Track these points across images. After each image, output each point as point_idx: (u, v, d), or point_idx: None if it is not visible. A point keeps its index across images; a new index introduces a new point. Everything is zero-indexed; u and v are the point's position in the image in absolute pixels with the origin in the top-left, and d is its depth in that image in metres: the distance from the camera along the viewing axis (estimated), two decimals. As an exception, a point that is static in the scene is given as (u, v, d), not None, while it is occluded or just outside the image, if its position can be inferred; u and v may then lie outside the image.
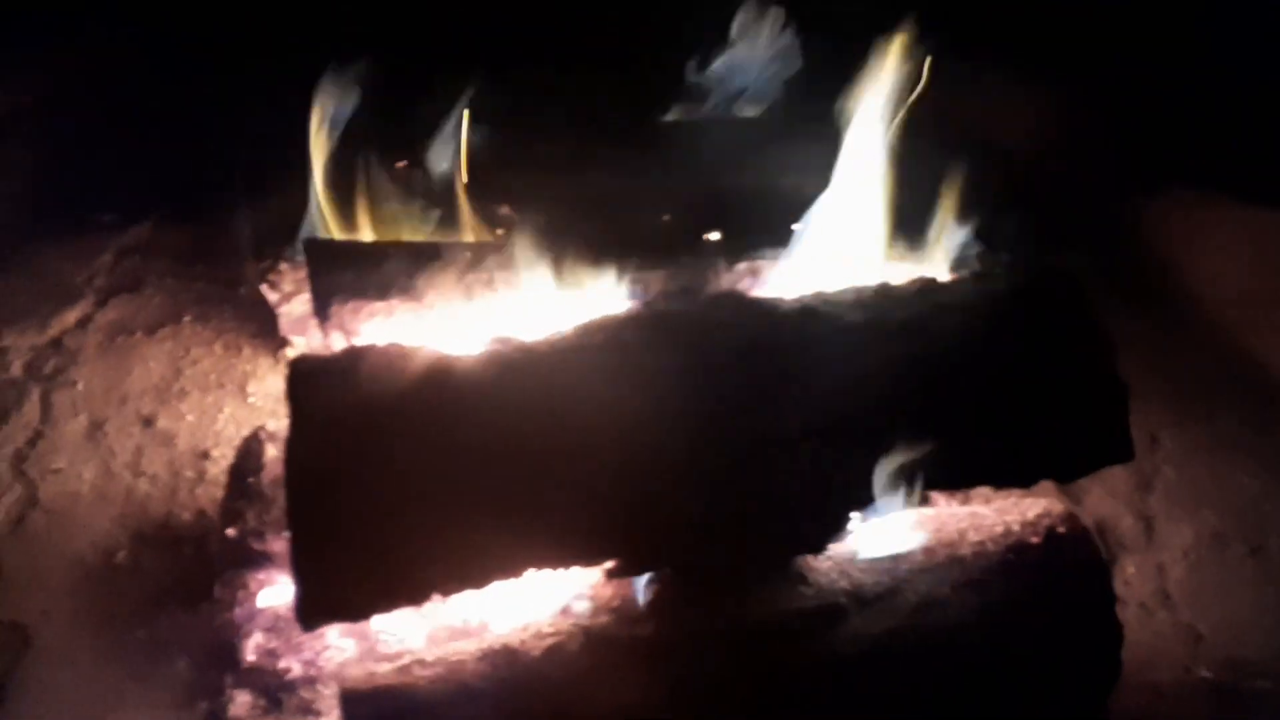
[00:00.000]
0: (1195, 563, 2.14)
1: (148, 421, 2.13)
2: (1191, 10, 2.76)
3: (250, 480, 1.81)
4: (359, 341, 1.78)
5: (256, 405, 2.14)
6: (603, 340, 1.58)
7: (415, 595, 1.51)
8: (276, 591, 1.83)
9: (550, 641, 1.59)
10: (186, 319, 2.28)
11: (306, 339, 2.07)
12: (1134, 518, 2.20)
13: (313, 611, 1.49)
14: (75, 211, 2.47)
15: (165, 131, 2.58)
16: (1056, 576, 1.70)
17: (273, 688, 1.79)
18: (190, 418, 2.13)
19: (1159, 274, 2.54)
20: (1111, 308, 1.75)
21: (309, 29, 2.42)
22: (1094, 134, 2.63)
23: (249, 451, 1.82)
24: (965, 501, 1.86)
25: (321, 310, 1.78)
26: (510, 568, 1.52)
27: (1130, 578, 2.10)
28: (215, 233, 2.40)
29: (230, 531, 1.82)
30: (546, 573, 1.55)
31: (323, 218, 1.86)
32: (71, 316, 2.28)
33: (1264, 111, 2.66)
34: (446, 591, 1.51)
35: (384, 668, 1.58)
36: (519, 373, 1.54)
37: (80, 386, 2.17)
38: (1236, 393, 2.40)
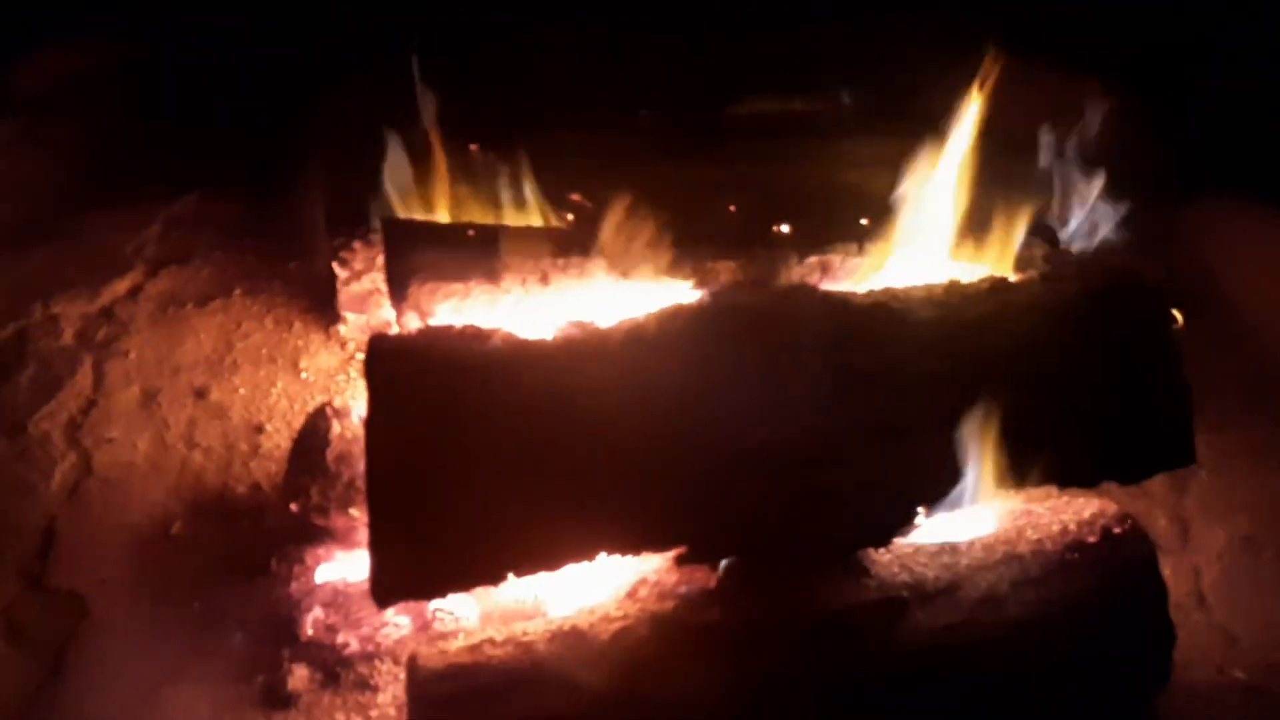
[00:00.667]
0: (1229, 565, 2.17)
1: (200, 393, 2.13)
2: (1239, 16, 2.77)
3: (314, 456, 1.81)
4: (434, 322, 1.79)
5: (309, 380, 2.15)
6: (678, 328, 1.59)
7: (490, 575, 1.53)
8: (335, 567, 1.84)
9: (618, 625, 1.61)
10: (237, 291, 2.28)
11: (365, 315, 2.08)
12: (1169, 520, 2.23)
13: (388, 589, 1.51)
14: (124, 182, 2.46)
15: (215, 104, 2.57)
16: (1113, 576, 1.72)
17: (330, 662, 1.80)
18: (243, 391, 2.13)
19: (1199, 279, 2.56)
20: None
21: (381, 7, 2.41)
22: (1142, 137, 2.64)
23: (314, 427, 1.83)
24: (1022, 499, 1.88)
25: (399, 290, 1.78)
26: (584, 551, 1.54)
27: (1166, 579, 2.12)
28: (263, 206, 2.39)
29: (292, 506, 1.83)
30: (614, 557, 1.57)
31: (397, 198, 1.87)
32: (122, 286, 2.28)
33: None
34: (521, 573, 1.53)
35: (455, 645, 1.60)
36: (594, 358, 1.55)
37: (132, 356, 2.17)
38: (1269, 400, 2.42)
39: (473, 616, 1.83)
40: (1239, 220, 2.66)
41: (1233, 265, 2.59)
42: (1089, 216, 1.93)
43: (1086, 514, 1.79)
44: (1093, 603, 1.70)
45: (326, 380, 2.15)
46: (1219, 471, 2.30)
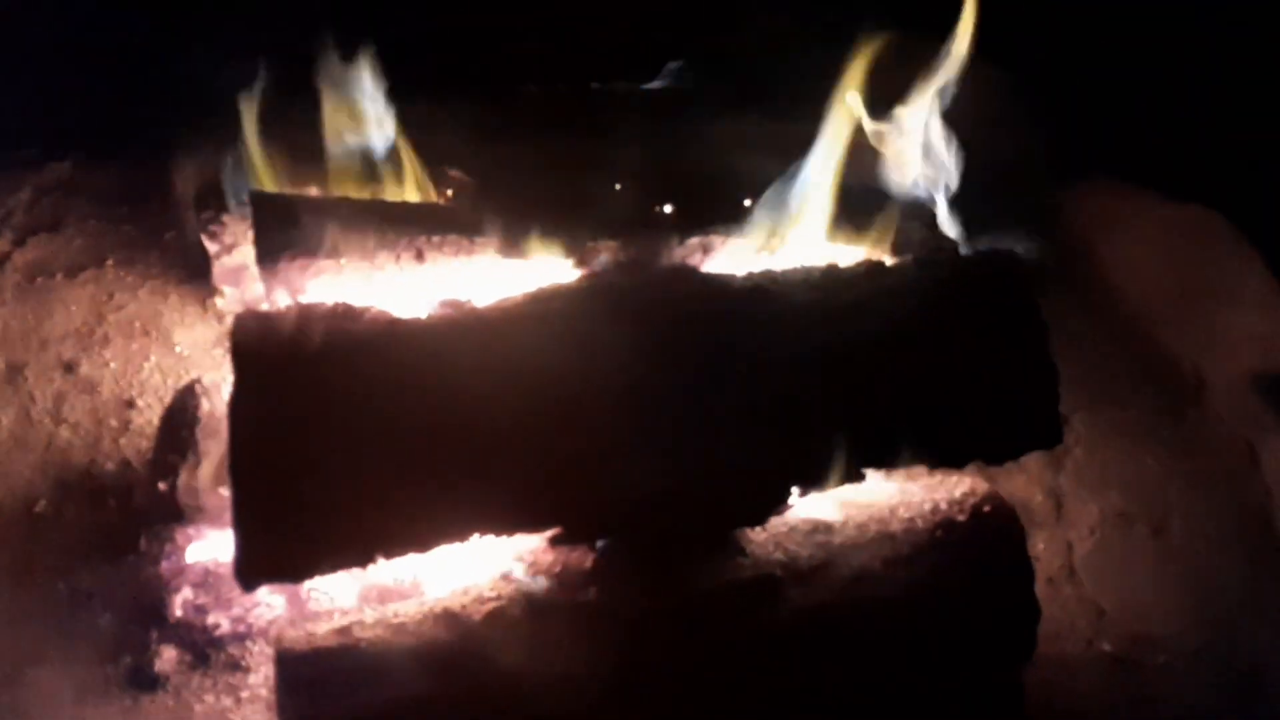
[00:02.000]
0: (1101, 540, 2.23)
1: (69, 367, 2.06)
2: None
3: (183, 433, 1.77)
4: (305, 299, 1.75)
5: (184, 355, 2.09)
6: (554, 309, 1.58)
7: (359, 558, 1.50)
8: (206, 546, 1.81)
9: (492, 606, 1.61)
10: (110, 262, 2.21)
11: (240, 289, 2.03)
12: (1044, 495, 2.28)
13: (253, 571, 1.48)
14: (-11, 144, 2.37)
15: (91, 65, 2.47)
16: (981, 554, 1.76)
17: (200, 643, 1.77)
18: (114, 365, 2.07)
19: (1076, 260, 2.62)
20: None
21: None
22: (1022, 120, 2.68)
23: (183, 404, 1.79)
24: (894, 478, 1.90)
25: (268, 266, 1.74)
26: (456, 532, 1.53)
27: (1039, 553, 2.17)
28: (140, 175, 2.31)
29: (160, 484, 1.78)
30: (489, 537, 1.56)
31: (266, 170, 1.82)
32: (-12, 255, 2.20)
33: (1184, 104, 2.74)
34: (390, 555, 1.51)
35: (323, 628, 1.58)
36: (468, 337, 1.54)
37: (-3, 328, 2.10)
38: (1145, 380, 2.49)
39: (349, 596, 1.81)
40: (1118, 202, 2.72)
41: (1111, 247, 2.65)
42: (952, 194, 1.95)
43: (958, 493, 1.82)
44: (960, 580, 1.73)
45: (202, 355, 2.09)
46: (1094, 449, 2.36)
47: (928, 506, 1.81)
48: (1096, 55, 2.79)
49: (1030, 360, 1.67)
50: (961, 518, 1.78)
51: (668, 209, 1.87)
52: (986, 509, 1.79)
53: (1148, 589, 2.18)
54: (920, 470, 1.86)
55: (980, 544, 1.77)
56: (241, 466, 1.45)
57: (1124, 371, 2.49)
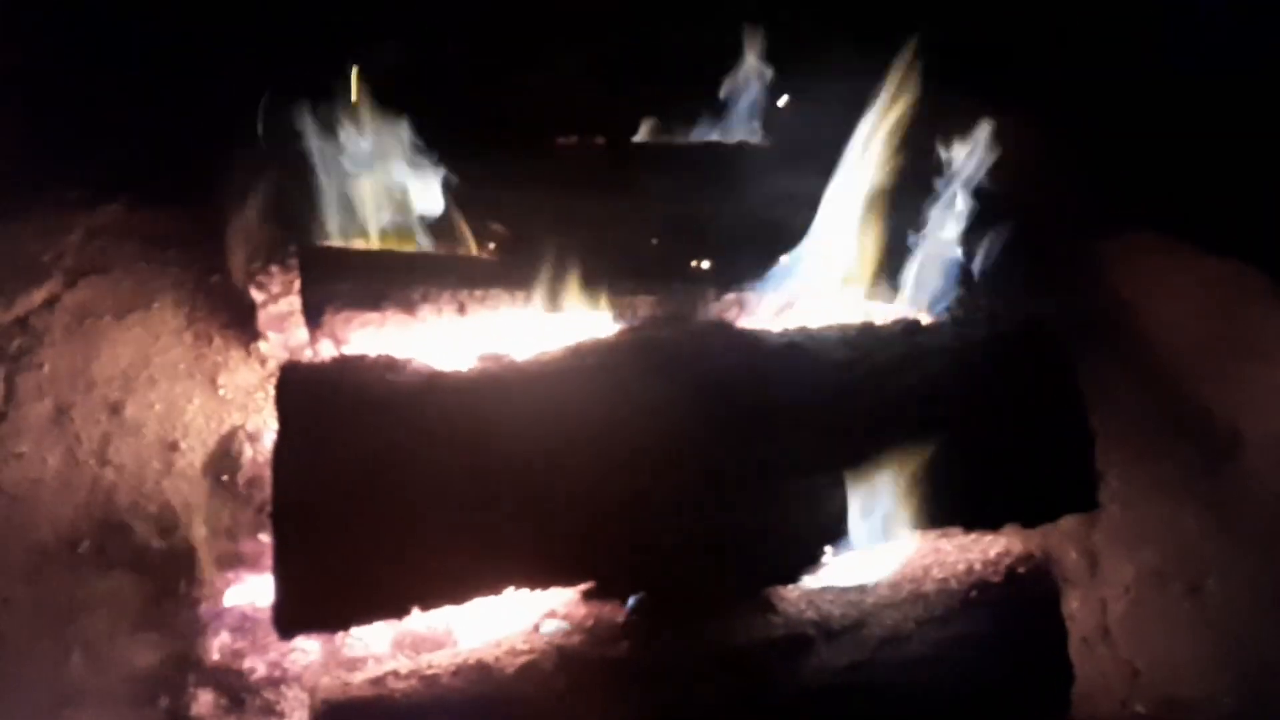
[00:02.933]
0: (1136, 600, 2.21)
1: (115, 409, 2.09)
2: (1160, 55, 2.83)
3: (225, 478, 1.80)
4: (349, 350, 1.78)
5: (227, 398, 2.12)
6: (592, 364, 1.60)
7: (395, 609, 1.53)
8: (245, 591, 1.83)
9: (524, 659, 1.62)
10: (157, 305, 2.24)
11: (284, 334, 2.06)
12: (1079, 553, 2.26)
13: (292, 620, 1.50)
14: (41, 187, 2.41)
15: (142, 111, 2.53)
16: (1015, 615, 1.76)
17: (236, 687, 1.79)
18: (159, 407, 2.10)
19: (1115, 315, 2.61)
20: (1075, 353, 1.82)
21: (317, 22, 2.39)
22: (1059, 172, 2.69)
23: (226, 450, 1.82)
24: (928, 538, 1.90)
25: (313, 317, 1.77)
26: (491, 585, 1.55)
27: (1074, 612, 2.16)
28: (189, 218, 2.35)
29: (201, 529, 1.81)
30: (523, 591, 1.58)
31: (317, 223, 1.86)
32: (38, 296, 2.23)
33: (1228, 160, 2.73)
34: (426, 606, 1.53)
35: (358, 678, 1.59)
36: (507, 391, 1.56)
37: (46, 369, 2.13)
38: (1183, 437, 2.47)
39: (383, 643, 1.82)
40: (1156, 256, 2.71)
41: (1149, 301, 2.64)
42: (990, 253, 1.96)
43: (992, 553, 1.82)
44: (994, 641, 1.73)
45: (245, 398, 2.12)
46: (1129, 506, 2.34)
47: (962, 567, 1.81)
48: (1134, 110, 2.79)
49: (1066, 423, 1.68)
50: (996, 579, 1.78)
51: (705, 264, 1.89)
52: (1021, 570, 1.79)
53: (1183, 649, 2.16)
54: (955, 530, 1.85)
55: (1014, 605, 1.77)
56: (284, 516, 1.48)
57: (1160, 427, 2.47)
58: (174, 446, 2.06)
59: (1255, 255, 2.67)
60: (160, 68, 2.61)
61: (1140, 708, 2.07)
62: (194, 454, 2.04)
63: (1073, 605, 2.17)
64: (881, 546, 1.72)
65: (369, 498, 1.48)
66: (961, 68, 2.02)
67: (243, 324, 2.19)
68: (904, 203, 1.92)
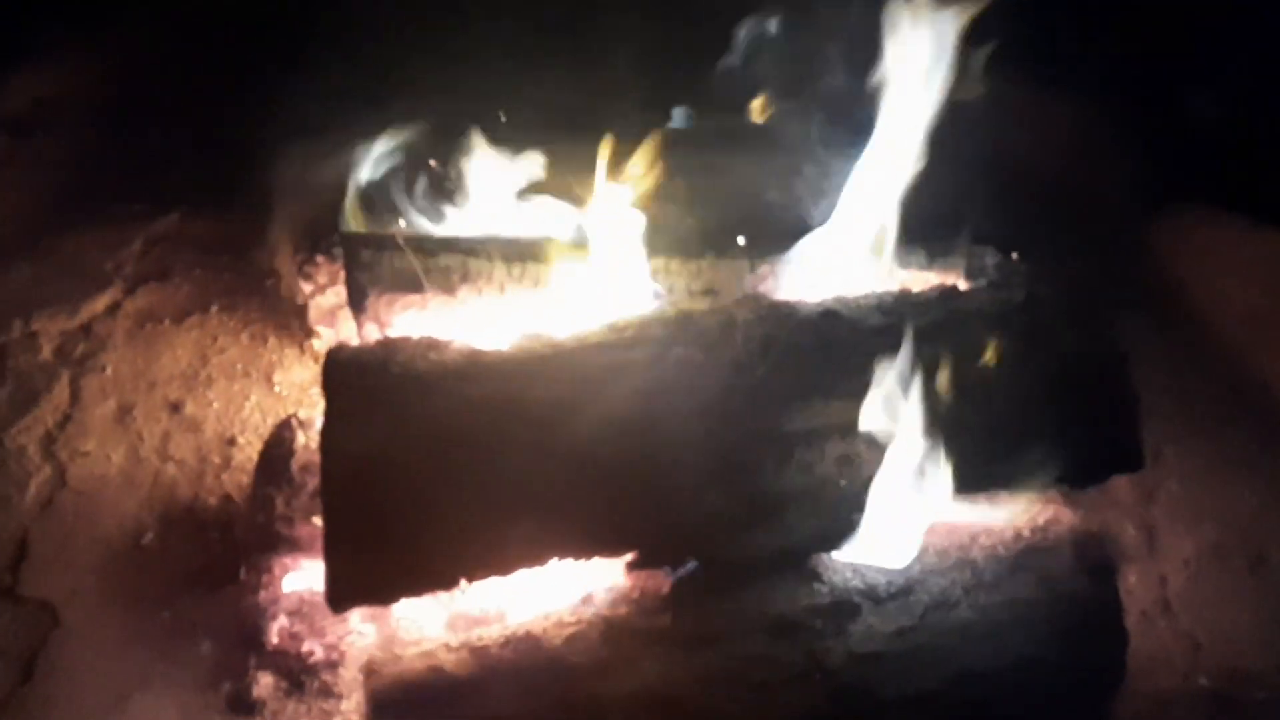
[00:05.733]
0: (1195, 574, 2.18)
1: (175, 407, 2.17)
2: (1211, 31, 2.80)
3: (279, 466, 1.84)
4: (393, 333, 1.83)
5: (282, 394, 2.18)
6: (631, 337, 1.63)
7: (443, 580, 1.56)
8: (301, 576, 1.87)
9: (571, 630, 1.64)
10: (214, 308, 2.32)
11: (334, 330, 2.11)
12: (1136, 528, 2.24)
13: (343, 594, 1.54)
14: (105, 201, 2.51)
15: (194, 124, 2.62)
16: (1065, 581, 1.74)
17: (295, 670, 1.82)
18: (217, 405, 2.17)
19: (1171, 291, 2.58)
20: (1122, 322, 1.81)
21: (349, 24, 2.47)
22: (1112, 148, 2.67)
23: (279, 438, 1.86)
24: (976, 505, 1.89)
25: (357, 302, 1.82)
26: (535, 556, 1.57)
27: (1132, 587, 2.13)
28: (242, 225, 2.43)
29: (258, 516, 1.86)
30: (567, 562, 1.60)
31: (359, 212, 1.91)
32: (101, 303, 2.32)
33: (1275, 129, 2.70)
34: (473, 577, 1.56)
35: (411, 652, 1.62)
36: (547, 366, 1.59)
37: (109, 371, 2.21)
38: (1240, 410, 2.43)
39: (436, 625, 1.85)
40: (1209, 230, 2.68)
41: (1203, 276, 2.61)
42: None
43: (1041, 520, 1.80)
44: (1045, 607, 1.71)
45: (299, 394, 2.19)
46: (1188, 481, 2.31)
47: (1010, 534, 1.79)
48: (1186, 82, 2.77)
49: (1109, 383, 1.67)
50: (1044, 544, 1.77)
51: (741, 239, 1.90)
52: (1070, 535, 1.78)
53: (1245, 622, 2.12)
54: (1003, 497, 1.84)
55: (1065, 571, 1.75)
56: (332, 492, 1.52)
57: (1217, 402, 2.44)
58: (232, 442, 2.12)
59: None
60: (212, 85, 2.71)
61: (1204, 680, 2.04)
62: (251, 448, 2.10)
63: (1131, 580, 2.14)
64: (928, 514, 1.71)
65: (415, 473, 1.52)
66: (1011, 48, 2.00)
67: (295, 324, 2.26)
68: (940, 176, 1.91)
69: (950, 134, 1.89)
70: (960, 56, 1.84)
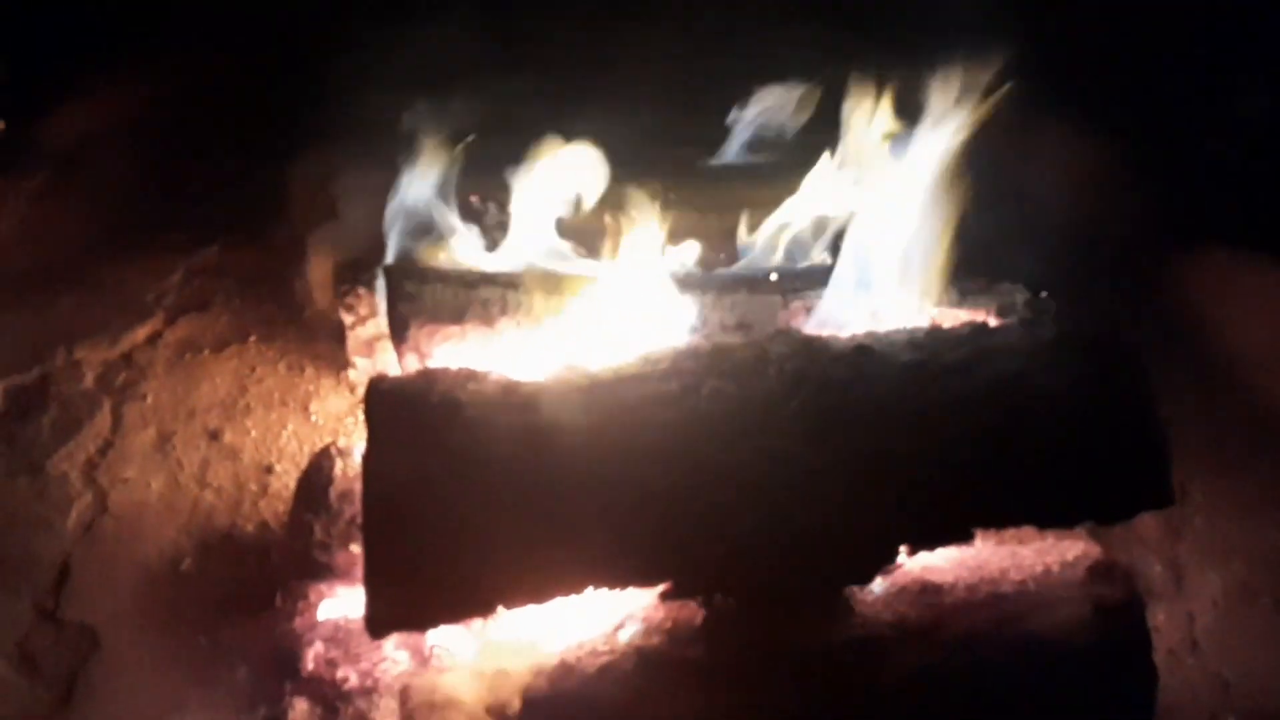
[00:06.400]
0: (1224, 612, 2.18)
1: (214, 435, 2.21)
2: (1233, 68, 2.83)
3: (318, 494, 1.87)
4: (433, 364, 1.86)
5: (318, 423, 2.22)
6: (665, 369, 1.65)
7: (481, 608, 1.58)
8: (337, 603, 1.89)
9: (604, 660, 1.66)
10: (252, 338, 2.37)
11: (372, 360, 2.15)
12: (1164, 566, 2.24)
13: (382, 620, 1.56)
14: (147, 232, 2.56)
15: (236, 157, 2.68)
16: (1095, 617, 1.74)
17: (330, 696, 1.84)
18: (254, 433, 2.21)
19: (1194, 329, 2.59)
20: (1149, 359, 1.82)
21: (387, 60, 2.53)
22: (1135, 187, 2.69)
23: (319, 466, 1.89)
24: (1005, 541, 1.91)
25: (398, 333, 1.86)
26: (571, 584, 1.59)
27: (1160, 624, 2.14)
28: (282, 257, 2.48)
29: (295, 543, 1.88)
30: (603, 591, 1.62)
31: (401, 244, 1.95)
32: (142, 333, 2.37)
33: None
34: (510, 605, 1.58)
35: (445, 678, 1.65)
36: (583, 397, 1.62)
37: (149, 400, 2.26)
38: (1267, 448, 2.43)
39: (469, 653, 1.87)
40: (1232, 267, 2.70)
41: (1227, 313, 2.62)
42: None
43: (1070, 556, 1.81)
44: (1074, 644, 1.72)
45: (335, 423, 2.23)
46: (1214, 518, 2.32)
47: (1039, 569, 1.80)
48: (1208, 121, 2.80)
49: (1137, 419, 1.68)
50: (1074, 579, 1.78)
51: (774, 275, 1.94)
52: (1099, 571, 1.78)
53: (1274, 662, 2.11)
54: (1032, 533, 1.86)
55: (1094, 607, 1.75)
56: (373, 519, 1.55)
57: (1243, 440, 2.44)
58: (269, 470, 2.16)
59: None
60: (254, 120, 2.77)
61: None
62: (288, 476, 2.14)
63: (1159, 618, 2.15)
64: (958, 549, 1.73)
65: (454, 501, 1.54)
66: (1034, 83, 2.04)
67: (332, 354, 2.30)
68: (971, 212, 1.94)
69: (976, 172, 1.92)
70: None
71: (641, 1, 2.60)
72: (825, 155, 2.11)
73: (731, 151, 2.23)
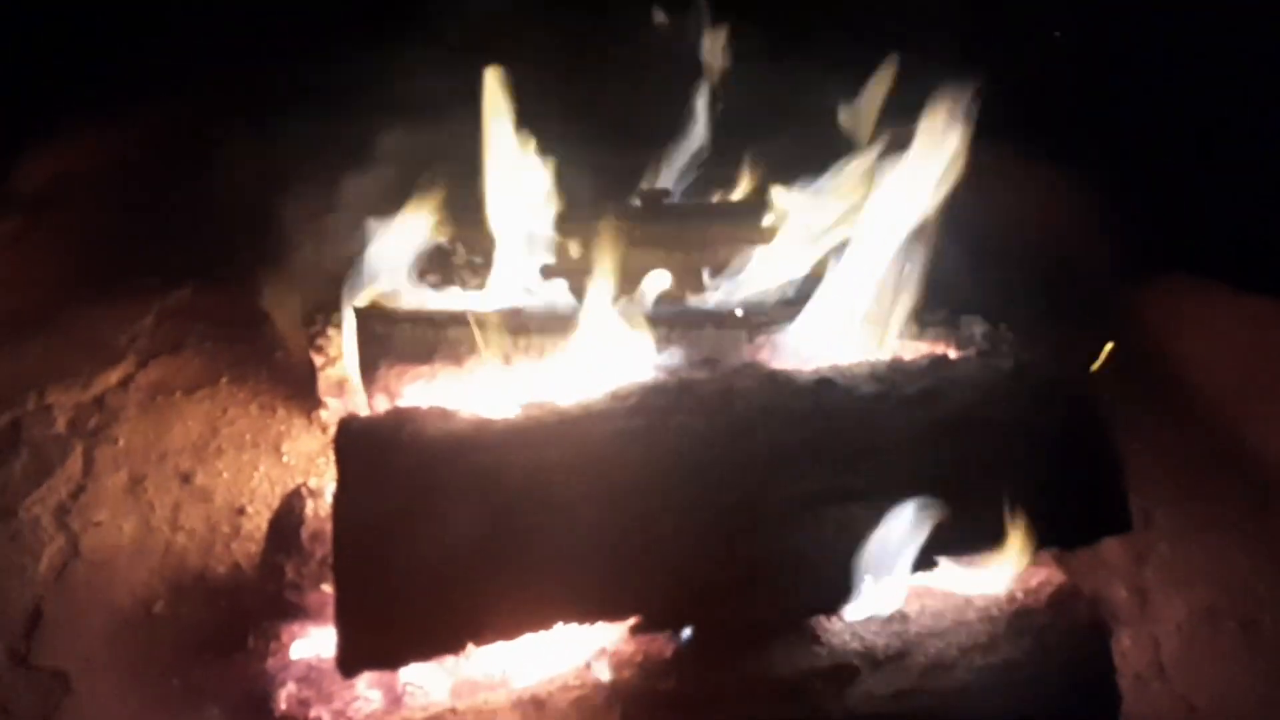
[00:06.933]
0: (1189, 636, 2.21)
1: (186, 478, 2.21)
2: (1194, 100, 2.90)
3: (290, 534, 1.88)
4: (402, 403, 1.88)
5: (290, 464, 2.23)
6: (631, 405, 1.68)
7: (451, 645, 1.60)
8: (309, 643, 1.90)
9: (576, 694, 1.67)
10: (224, 380, 2.38)
11: (342, 401, 2.17)
12: (1129, 591, 2.27)
13: (353, 658, 1.57)
14: (118, 275, 2.58)
15: (204, 201, 2.70)
16: (1059, 642, 1.77)
17: (303, 736, 1.85)
18: (226, 475, 2.22)
19: (1157, 359, 2.64)
20: (1110, 391, 1.86)
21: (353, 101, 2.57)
22: (1097, 218, 2.75)
23: (290, 507, 1.91)
24: (970, 568, 1.93)
25: (367, 373, 1.88)
26: (541, 621, 1.61)
27: (1125, 649, 2.16)
28: (253, 299, 2.50)
29: (267, 584, 1.89)
30: (573, 627, 1.64)
31: (369, 286, 1.98)
32: (114, 376, 2.38)
33: (1262, 201, 2.78)
34: (481, 642, 1.59)
35: (417, 716, 1.66)
36: (552, 434, 1.64)
37: (121, 443, 2.26)
38: (1230, 476, 2.48)
39: (442, 691, 1.88)
40: (1192, 298, 2.75)
41: (1188, 342, 2.67)
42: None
43: (1034, 582, 1.84)
44: (1039, 668, 1.75)
45: (307, 464, 2.24)
46: (1179, 543, 2.35)
47: (1004, 596, 1.83)
48: (1167, 154, 2.85)
49: (1094, 446, 1.72)
50: (1038, 606, 1.81)
51: (739, 311, 1.98)
52: (1063, 597, 1.81)
53: (1239, 685, 2.14)
54: (996, 559, 1.88)
55: (1058, 632, 1.78)
56: (343, 558, 1.56)
57: (1207, 466, 2.48)
58: (241, 511, 2.17)
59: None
60: (224, 163, 2.80)
61: (1197, 744, 2.06)
62: (260, 518, 2.14)
63: (1125, 643, 2.17)
64: (923, 577, 1.75)
65: (424, 539, 1.56)
66: (998, 119, 2.08)
67: (305, 395, 2.31)
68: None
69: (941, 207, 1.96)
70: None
71: (605, 40, 2.65)
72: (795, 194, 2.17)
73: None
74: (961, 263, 2.08)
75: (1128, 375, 2.53)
